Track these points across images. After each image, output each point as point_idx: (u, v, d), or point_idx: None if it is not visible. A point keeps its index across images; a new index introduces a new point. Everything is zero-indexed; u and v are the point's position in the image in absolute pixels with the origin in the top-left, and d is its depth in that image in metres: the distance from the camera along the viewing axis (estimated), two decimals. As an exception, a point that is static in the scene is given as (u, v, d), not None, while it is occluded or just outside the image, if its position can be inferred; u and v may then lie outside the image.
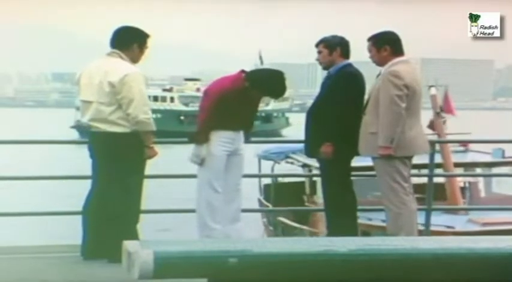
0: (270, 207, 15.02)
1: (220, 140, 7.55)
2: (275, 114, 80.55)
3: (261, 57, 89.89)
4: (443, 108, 12.82)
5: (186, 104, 76.04)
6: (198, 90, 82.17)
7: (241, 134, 7.70)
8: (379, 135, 7.35)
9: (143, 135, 7.04)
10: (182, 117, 71.67)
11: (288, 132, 71.02)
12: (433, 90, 13.12)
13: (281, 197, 14.75)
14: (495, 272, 4.13)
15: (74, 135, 62.01)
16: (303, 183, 15.10)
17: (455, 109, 13.18)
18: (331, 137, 7.60)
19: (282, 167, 15.42)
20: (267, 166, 15.91)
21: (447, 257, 4.11)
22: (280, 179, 16.13)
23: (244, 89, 7.50)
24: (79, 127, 68.33)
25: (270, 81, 7.58)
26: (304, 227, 13.85)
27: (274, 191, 15.21)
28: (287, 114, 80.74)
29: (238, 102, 7.48)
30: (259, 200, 16.46)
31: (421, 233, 8.18)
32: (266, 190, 16.19)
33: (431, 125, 12.46)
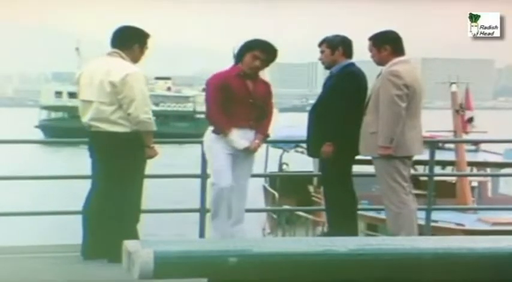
0: (276, 194, 15.04)
1: (223, 139, 7.42)
2: None
3: (234, 54, 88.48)
4: (465, 105, 12.91)
5: (157, 104, 74.14)
6: (169, 89, 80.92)
7: (249, 133, 7.50)
8: (379, 135, 7.34)
9: (144, 135, 7.03)
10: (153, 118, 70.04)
11: None
12: (453, 87, 13.18)
13: (287, 185, 14.77)
14: (496, 272, 4.12)
15: (39, 134, 62.01)
16: (308, 175, 15.10)
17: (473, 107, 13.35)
18: (332, 137, 7.59)
19: (290, 156, 15.44)
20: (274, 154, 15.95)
21: (448, 256, 4.10)
22: (285, 167, 16.17)
23: (241, 74, 7.46)
24: (43, 127, 68.38)
25: (253, 40, 7.63)
26: (309, 216, 13.86)
27: (280, 178, 15.23)
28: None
29: (237, 90, 7.41)
30: (265, 187, 16.49)
31: (421, 228, 8.15)
32: (272, 177, 16.19)
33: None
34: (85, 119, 7.10)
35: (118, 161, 6.96)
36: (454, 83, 13.27)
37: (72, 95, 74.57)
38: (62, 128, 62.11)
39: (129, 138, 6.95)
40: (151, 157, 7.15)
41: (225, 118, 7.41)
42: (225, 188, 7.38)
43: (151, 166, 7.33)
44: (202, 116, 67.19)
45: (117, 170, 6.97)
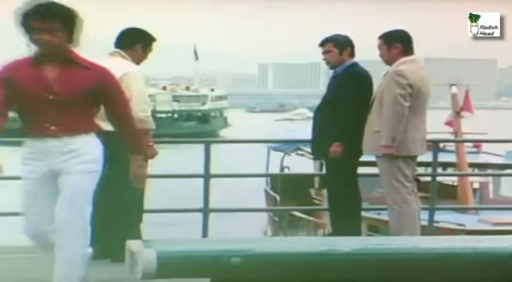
0: (277, 197, 15.06)
1: (24, 155, 5.30)
2: (213, 114, 74.84)
3: (195, 52, 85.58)
4: (464, 107, 12.90)
5: None
6: None
7: (57, 146, 5.20)
8: (382, 134, 7.34)
9: (142, 133, 7.00)
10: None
11: (226, 134, 65.78)
12: (454, 89, 13.17)
13: (288, 188, 14.79)
14: (497, 272, 4.13)
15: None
16: (311, 175, 15.12)
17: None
18: (338, 137, 7.56)
19: (292, 159, 15.46)
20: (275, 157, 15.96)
21: (449, 256, 4.11)
22: (287, 170, 16.21)
23: (38, 58, 5.11)
24: None
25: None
26: (310, 218, 13.89)
27: (281, 181, 15.25)
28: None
29: (24, 82, 5.08)
30: (266, 191, 16.51)
31: (424, 229, 8.15)
32: (273, 181, 16.22)
33: (450, 123, 12.59)
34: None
35: (118, 160, 6.96)
36: (454, 84, 13.25)
37: None
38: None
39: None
40: (151, 157, 7.13)
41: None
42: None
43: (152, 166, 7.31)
44: (163, 115, 65.83)
45: (119, 169, 6.97)
